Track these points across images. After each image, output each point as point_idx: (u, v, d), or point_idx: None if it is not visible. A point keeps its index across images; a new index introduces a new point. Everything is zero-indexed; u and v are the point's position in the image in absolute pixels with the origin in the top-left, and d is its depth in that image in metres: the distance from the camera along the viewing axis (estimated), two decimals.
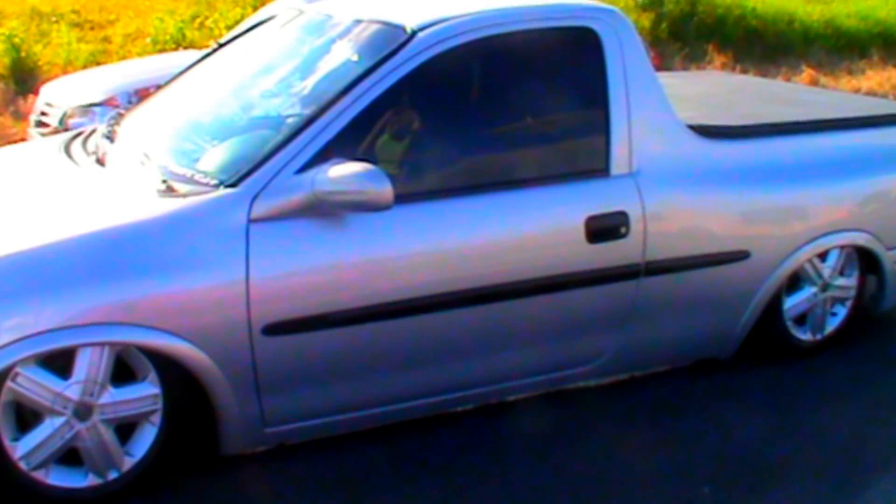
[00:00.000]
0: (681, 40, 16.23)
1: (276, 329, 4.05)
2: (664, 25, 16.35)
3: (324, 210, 4.05)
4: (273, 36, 5.36)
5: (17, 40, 12.96)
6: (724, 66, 15.14)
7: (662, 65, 13.08)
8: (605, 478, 4.41)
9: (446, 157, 4.57)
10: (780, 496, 4.31)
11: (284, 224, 4.05)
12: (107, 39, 14.27)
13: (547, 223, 4.58)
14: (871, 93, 13.71)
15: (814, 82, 14.58)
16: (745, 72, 14.32)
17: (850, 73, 15.85)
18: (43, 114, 9.02)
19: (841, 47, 17.25)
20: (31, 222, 4.12)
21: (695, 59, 15.54)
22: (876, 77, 15.53)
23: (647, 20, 16.20)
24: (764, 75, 13.72)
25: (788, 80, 14.14)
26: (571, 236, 4.57)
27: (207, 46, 9.12)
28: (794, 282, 5.39)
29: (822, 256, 5.41)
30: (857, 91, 13.77)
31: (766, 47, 16.72)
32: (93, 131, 5.25)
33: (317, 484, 4.31)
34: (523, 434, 4.72)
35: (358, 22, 4.83)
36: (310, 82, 4.64)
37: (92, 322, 3.79)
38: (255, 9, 12.68)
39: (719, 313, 5.18)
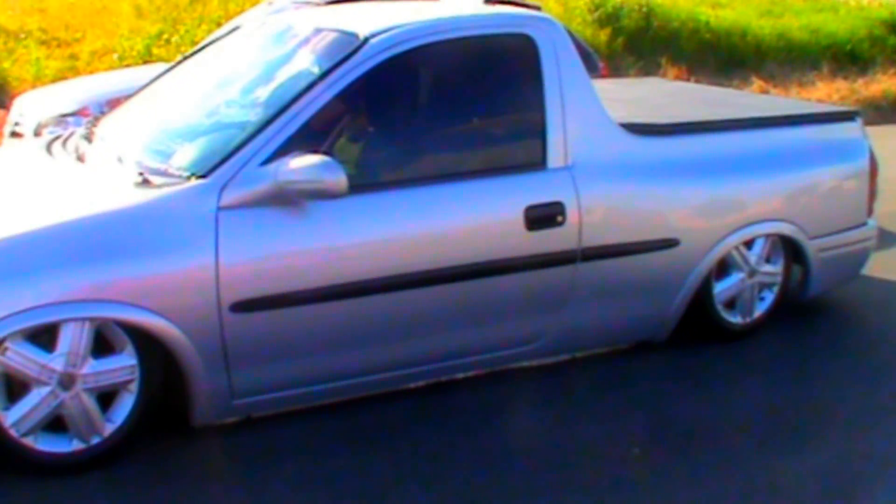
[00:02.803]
0: (636, 54, 16.60)
1: (242, 307, 4.41)
2: (620, 40, 16.73)
3: (286, 199, 4.44)
4: (239, 44, 5.77)
5: None
6: (677, 79, 15.43)
7: (616, 77, 13.42)
8: (544, 442, 4.81)
9: (397, 152, 4.99)
10: (703, 456, 4.71)
11: (250, 212, 4.43)
12: (74, 56, 14.41)
13: (489, 212, 4.97)
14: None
15: (764, 93, 14.93)
16: (697, 83, 14.67)
17: (801, 84, 16.20)
18: (17, 124, 9.24)
19: (792, 60, 17.60)
20: (19, 211, 4.48)
21: (649, 72, 15.78)
22: (825, 88, 15.88)
23: (604, 35, 16.59)
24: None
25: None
26: (512, 224, 4.96)
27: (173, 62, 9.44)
28: (724, 268, 5.78)
29: (749, 245, 5.81)
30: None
31: (719, 60, 17.03)
32: (71, 134, 5.59)
33: (281, 452, 4.64)
34: (470, 408, 5.10)
35: (318, 31, 5.24)
36: (273, 85, 5.01)
37: (74, 300, 4.15)
38: (220, 26, 12.98)
39: (652, 298, 5.56)
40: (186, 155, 4.71)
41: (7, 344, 4.10)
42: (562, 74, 5.14)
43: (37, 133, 8.65)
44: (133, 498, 4.29)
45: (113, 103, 8.02)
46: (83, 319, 4.19)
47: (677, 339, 5.80)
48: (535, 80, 5.11)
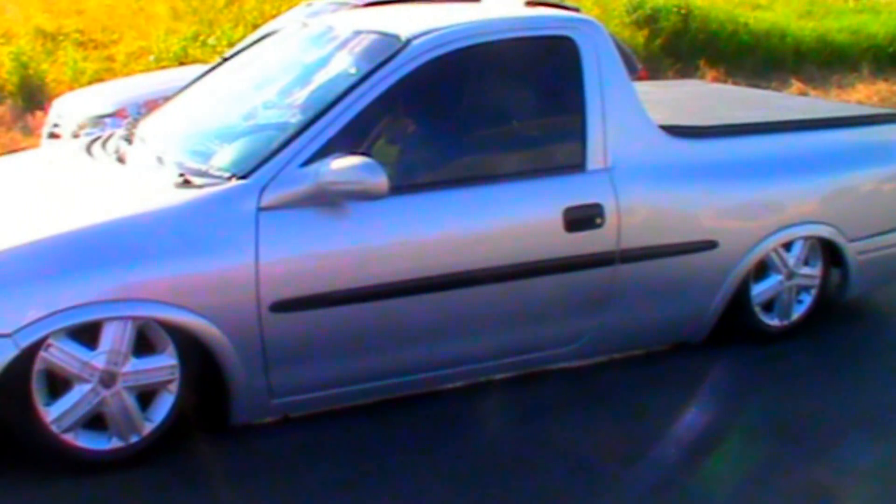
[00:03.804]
0: (674, 56, 16.55)
1: (282, 307, 4.44)
2: (658, 42, 16.70)
3: (326, 199, 4.46)
4: (279, 46, 5.79)
5: (24, 59, 13.31)
6: (715, 81, 15.35)
7: (654, 79, 13.37)
8: (581, 444, 4.79)
9: (438, 153, 5.01)
10: (742, 459, 4.68)
11: (290, 212, 4.46)
12: (110, 58, 14.53)
13: (529, 213, 4.97)
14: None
15: (802, 95, 14.86)
16: (735, 85, 14.58)
17: (840, 86, 16.12)
18: (55, 125, 9.32)
19: (832, 62, 17.51)
20: (63, 210, 4.52)
21: (687, 74, 15.76)
22: (865, 90, 15.82)
23: (642, 37, 16.56)
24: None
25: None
26: (551, 226, 4.96)
27: (210, 63, 9.48)
28: (762, 270, 5.75)
29: (787, 247, 5.78)
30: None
31: (757, 62, 16.97)
32: (111, 135, 5.63)
33: (318, 452, 4.65)
34: (508, 409, 5.09)
35: (358, 33, 5.27)
36: (314, 86, 5.06)
37: (117, 298, 4.19)
38: (256, 27, 13.04)
39: (690, 299, 5.54)
40: (227, 156, 4.75)
41: (50, 340, 4.14)
42: (603, 77, 5.15)
43: (75, 134, 8.72)
44: (169, 496, 4.31)
45: (150, 105, 8.09)
46: (125, 318, 4.23)
47: (715, 341, 5.78)
48: (575, 82, 5.12)
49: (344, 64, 5.11)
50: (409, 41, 4.88)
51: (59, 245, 4.23)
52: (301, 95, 5.05)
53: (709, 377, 5.55)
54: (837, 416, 5.16)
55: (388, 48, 4.89)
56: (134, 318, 4.25)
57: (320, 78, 5.11)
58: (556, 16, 5.45)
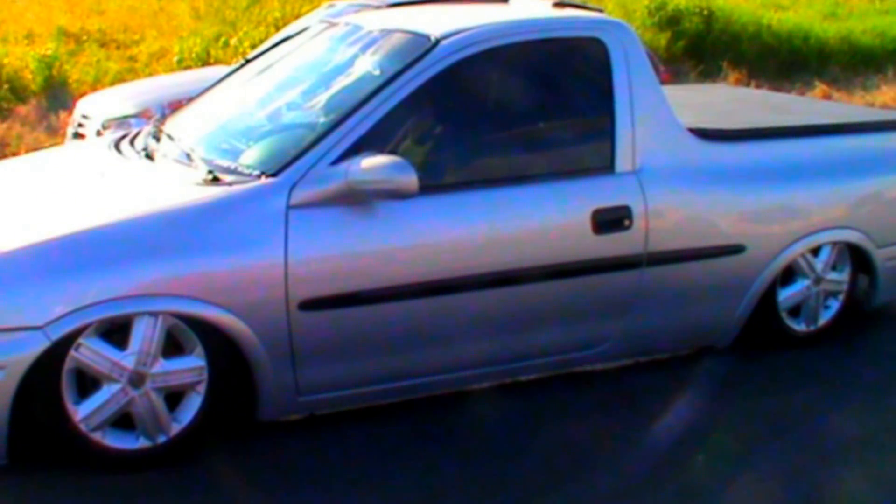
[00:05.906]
0: (696, 58, 16.50)
1: (310, 305, 4.45)
2: (680, 43, 16.65)
3: (356, 198, 4.47)
4: (307, 45, 5.78)
5: (48, 59, 13.40)
6: (738, 83, 15.26)
7: (677, 81, 13.34)
8: (607, 447, 4.79)
9: (467, 153, 4.99)
10: (768, 464, 4.67)
11: (320, 210, 4.46)
12: (133, 59, 14.60)
13: (557, 215, 4.97)
14: (884, 108, 13.80)
15: (826, 98, 14.73)
16: (758, 87, 14.51)
17: (865, 88, 16.03)
18: (80, 125, 9.35)
19: (856, 64, 17.42)
20: (92, 206, 4.54)
21: (710, 75, 15.73)
22: (890, 92, 15.68)
23: (664, 38, 16.51)
24: (777, 91, 13.90)
25: (801, 95, 14.33)
26: (579, 227, 4.95)
27: (233, 64, 9.50)
28: (789, 275, 5.72)
29: (815, 252, 5.75)
30: (870, 106, 13.87)
31: (780, 64, 16.90)
32: (138, 133, 5.65)
33: (344, 450, 4.67)
34: (535, 410, 5.10)
35: (386, 32, 5.27)
36: (343, 85, 5.06)
37: (147, 293, 4.21)
38: (278, 28, 13.06)
39: (717, 303, 5.51)
40: (256, 153, 4.77)
41: (81, 340, 4.16)
42: (632, 79, 5.13)
43: (99, 134, 8.75)
44: (194, 496, 4.33)
45: (174, 105, 8.11)
46: (155, 314, 4.24)
47: (741, 346, 5.76)
48: (605, 83, 5.11)
49: (374, 63, 5.10)
50: (438, 41, 4.88)
51: (89, 240, 4.24)
52: (330, 94, 5.05)
53: (734, 382, 5.53)
54: (863, 424, 5.13)
55: (418, 48, 4.89)
56: (164, 314, 4.26)
57: (349, 77, 5.11)
58: (586, 17, 5.46)
